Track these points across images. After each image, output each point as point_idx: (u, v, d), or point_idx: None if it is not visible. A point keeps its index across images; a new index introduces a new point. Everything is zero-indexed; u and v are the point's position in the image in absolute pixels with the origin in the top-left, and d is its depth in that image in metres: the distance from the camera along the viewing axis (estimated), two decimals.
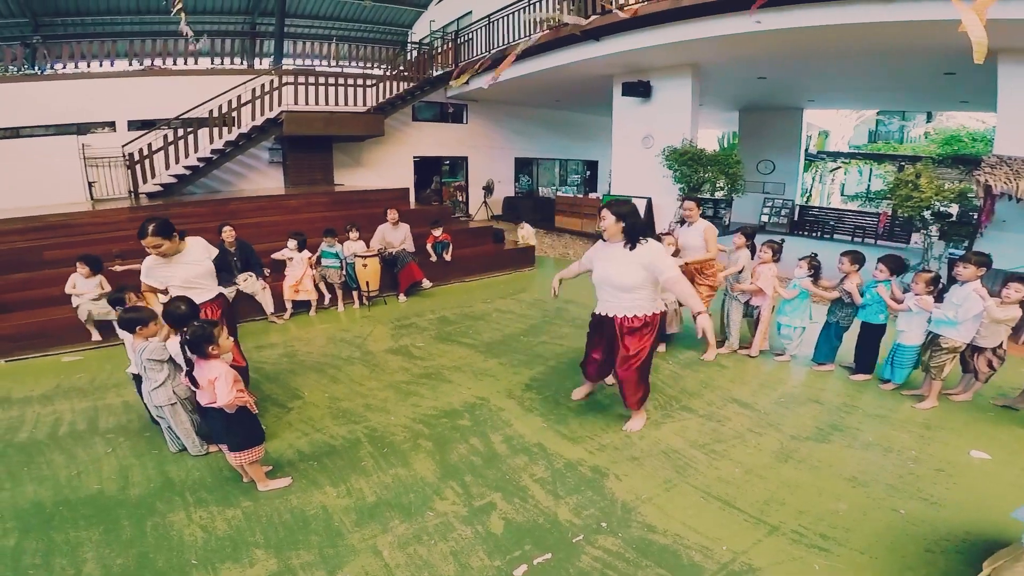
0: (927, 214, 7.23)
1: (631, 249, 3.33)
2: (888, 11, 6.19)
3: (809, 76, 10.80)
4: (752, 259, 4.99)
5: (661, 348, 4.99)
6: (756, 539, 2.64)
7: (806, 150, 17.00)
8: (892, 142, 20.52)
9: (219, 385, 2.72)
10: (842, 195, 20.35)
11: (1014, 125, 6.84)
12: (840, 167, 20.06)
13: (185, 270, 3.58)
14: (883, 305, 4.31)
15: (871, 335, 4.45)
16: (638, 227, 3.33)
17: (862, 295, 4.39)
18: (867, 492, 3.02)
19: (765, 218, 15.04)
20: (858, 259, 4.45)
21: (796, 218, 14.72)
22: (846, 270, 4.47)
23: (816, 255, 4.78)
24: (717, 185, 10.05)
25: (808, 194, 19.47)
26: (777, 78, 10.91)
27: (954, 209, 7.47)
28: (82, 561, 2.52)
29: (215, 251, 3.85)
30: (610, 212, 3.33)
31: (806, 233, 14.06)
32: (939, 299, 4.07)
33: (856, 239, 13.13)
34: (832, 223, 14.10)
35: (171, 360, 3.17)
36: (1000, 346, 3.90)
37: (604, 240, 3.49)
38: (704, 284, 4.97)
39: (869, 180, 19.10)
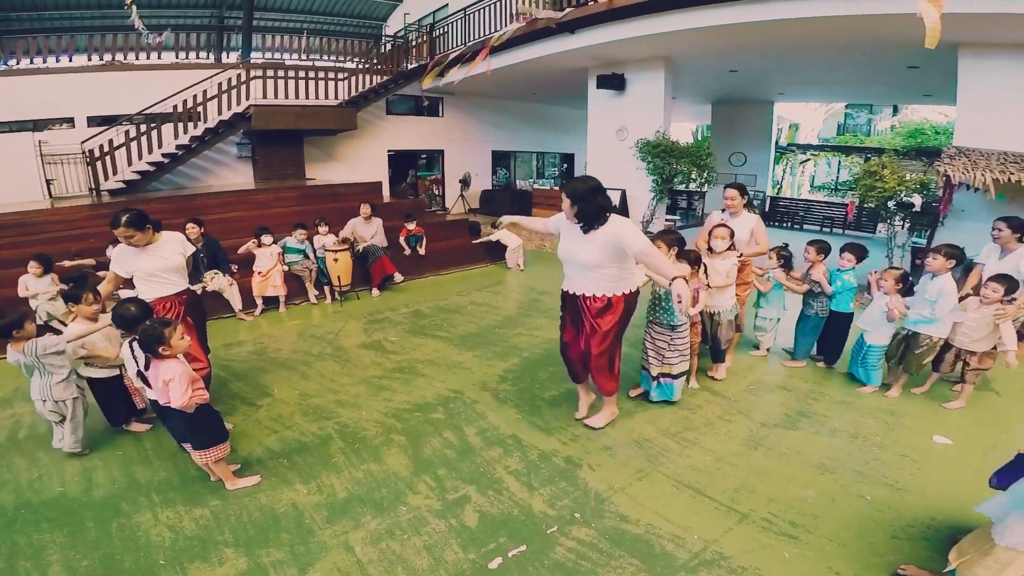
0: (891, 204, 7.41)
1: (585, 230, 3.13)
2: (851, 5, 6.32)
3: (778, 69, 10.97)
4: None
5: (720, 374, 4.39)
6: (727, 527, 2.68)
7: (777, 142, 17.30)
8: (860, 135, 20.99)
9: (172, 387, 2.64)
10: (812, 187, 20.78)
11: (972, 117, 7.05)
12: (810, 159, 20.47)
13: (152, 262, 3.48)
14: (851, 294, 4.33)
15: (839, 324, 4.44)
16: (590, 212, 3.07)
17: (832, 284, 4.36)
18: (835, 479, 3.08)
19: None
20: (823, 248, 4.45)
21: (767, 209, 15.00)
22: (812, 259, 4.43)
23: (787, 245, 4.73)
24: (690, 177, 10.16)
25: (779, 186, 19.84)
26: (748, 71, 11.05)
27: (917, 200, 7.66)
28: (47, 564, 2.45)
29: (191, 248, 3.75)
30: (565, 193, 3.13)
31: (777, 224, 14.33)
32: (908, 294, 4.05)
33: (825, 229, 13.45)
34: (802, 214, 14.41)
35: (65, 353, 3.15)
36: (994, 348, 3.79)
37: (569, 223, 3.27)
38: (740, 283, 4.52)
39: (838, 172, 19.54)
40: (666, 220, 4.72)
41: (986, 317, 3.71)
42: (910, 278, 4.06)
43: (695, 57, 9.79)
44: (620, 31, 8.67)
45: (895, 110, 19.97)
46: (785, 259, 4.67)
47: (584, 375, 3.63)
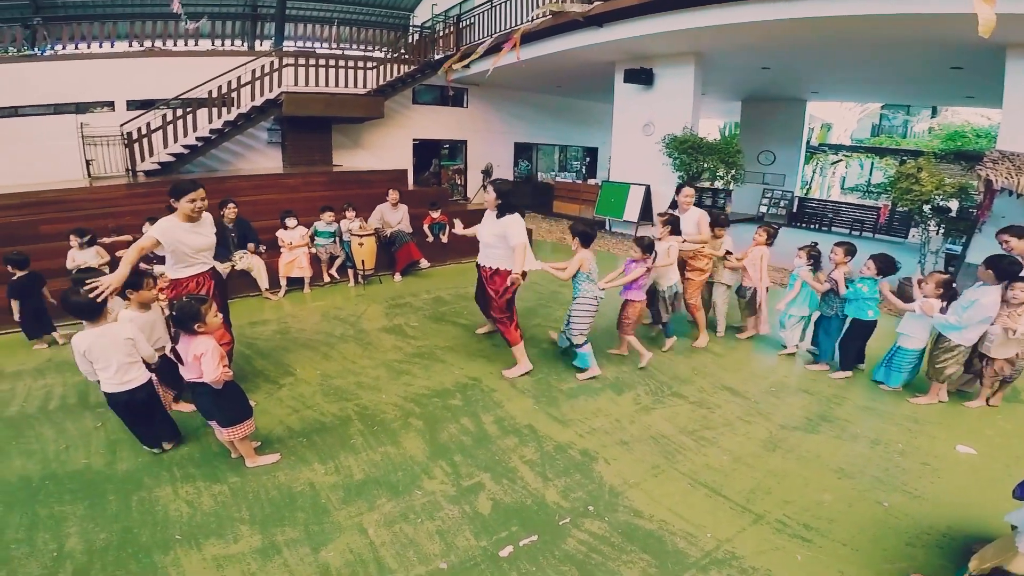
0: (926, 208, 7.19)
1: (498, 218, 4.16)
2: (896, 3, 6.11)
3: (813, 68, 10.70)
4: (732, 244, 5.14)
5: (669, 343, 4.93)
6: (740, 527, 2.65)
7: (808, 142, 16.91)
8: (895, 136, 20.42)
9: (205, 362, 2.70)
10: (842, 188, 20.29)
11: (1019, 120, 6.79)
12: (841, 160, 19.97)
13: (201, 240, 3.52)
14: (872, 302, 4.24)
15: (857, 331, 4.37)
16: (508, 204, 4.15)
17: (848, 287, 4.30)
18: (853, 484, 3.03)
19: (764, 209, 14.98)
20: (851, 251, 4.42)
21: (795, 210, 14.69)
22: (838, 261, 4.40)
23: (816, 244, 4.73)
24: (717, 174, 9.99)
25: (808, 186, 19.41)
26: (781, 69, 10.81)
27: (954, 204, 7.41)
28: (65, 536, 2.52)
29: (213, 227, 3.80)
30: (494, 189, 4.17)
31: (804, 225, 14.02)
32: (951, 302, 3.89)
33: (854, 232, 13.09)
34: (830, 216, 14.05)
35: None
36: (1018, 356, 3.73)
37: (487, 211, 4.34)
38: (696, 269, 5.07)
39: (870, 173, 19.03)
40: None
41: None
42: (954, 286, 3.91)
43: (726, 53, 9.61)
44: (650, 25, 8.54)
45: (934, 112, 19.38)
46: (814, 259, 4.63)
47: (489, 317, 4.75)
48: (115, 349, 2.83)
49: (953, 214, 7.53)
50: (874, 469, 3.18)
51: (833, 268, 4.47)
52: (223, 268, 5.97)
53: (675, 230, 4.72)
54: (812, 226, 13.84)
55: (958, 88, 11.05)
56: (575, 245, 4.18)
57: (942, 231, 7.42)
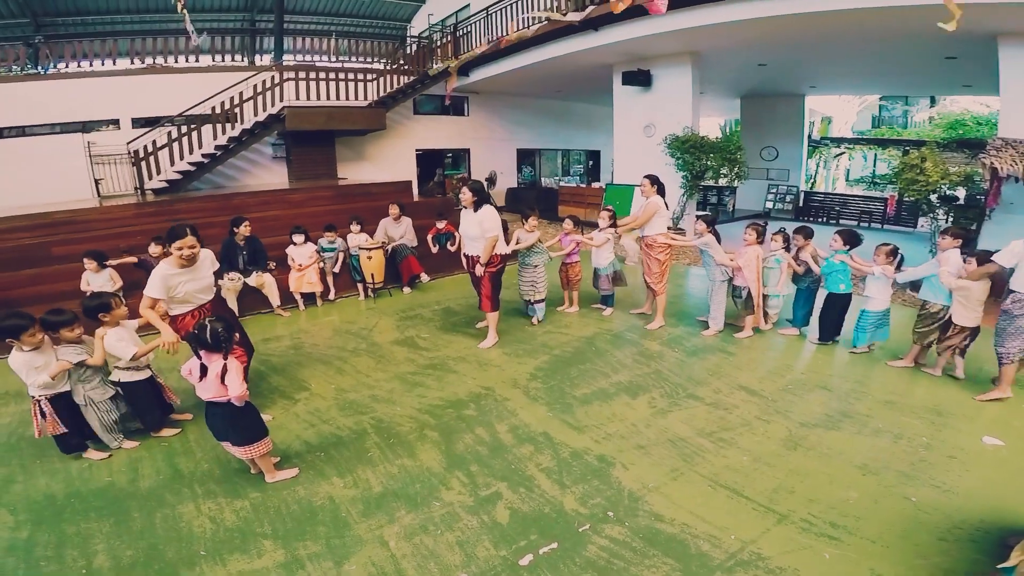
0: (933, 198, 7.15)
1: (475, 212, 4.79)
2: None
3: (809, 62, 10.69)
4: (719, 243, 5.21)
5: (607, 311, 6.01)
6: (765, 528, 2.63)
7: (809, 136, 16.86)
8: (896, 127, 20.30)
9: (231, 378, 2.70)
10: (847, 180, 20.19)
11: (1018, 107, 6.75)
12: (844, 153, 19.88)
13: (195, 284, 3.51)
14: (843, 275, 4.76)
15: (834, 304, 4.88)
16: (481, 200, 4.83)
17: (824, 262, 4.88)
18: (878, 480, 2.99)
19: (770, 204, 14.97)
20: (808, 233, 5.09)
21: (801, 204, 14.63)
22: (799, 244, 5.06)
23: (783, 228, 5.33)
24: (720, 172, 9.98)
25: (813, 180, 19.33)
26: (777, 64, 10.80)
27: (961, 193, 7.37)
28: (93, 553, 2.54)
29: (215, 266, 3.79)
30: (469, 189, 4.83)
31: (811, 219, 13.96)
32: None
33: (862, 223, 13.02)
34: (837, 208, 14.00)
35: (81, 365, 3.22)
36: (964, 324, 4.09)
37: (464, 208, 4.94)
38: (654, 259, 5.44)
39: (874, 165, 18.92)
40: (697, 215, 5.10)
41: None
42: (899, 251, 4.56)
43: (723, 52, 9.62)
44: (646, 27, 8.56)
45: (933, 101, 19.26)
46: (787, 240, 5.13)
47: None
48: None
49: (961, 202, 7.48)
50: (899, 464, 3.14)
51: (798, 250, 5.10)
52: (234, 286, 6.03)
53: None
54: (819, 219, 13.80)
55: (954, 77, 11.01)
56: (535, 221, 5.62)
57: (950, 220, 7.38)
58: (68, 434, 3.29)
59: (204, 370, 2.75)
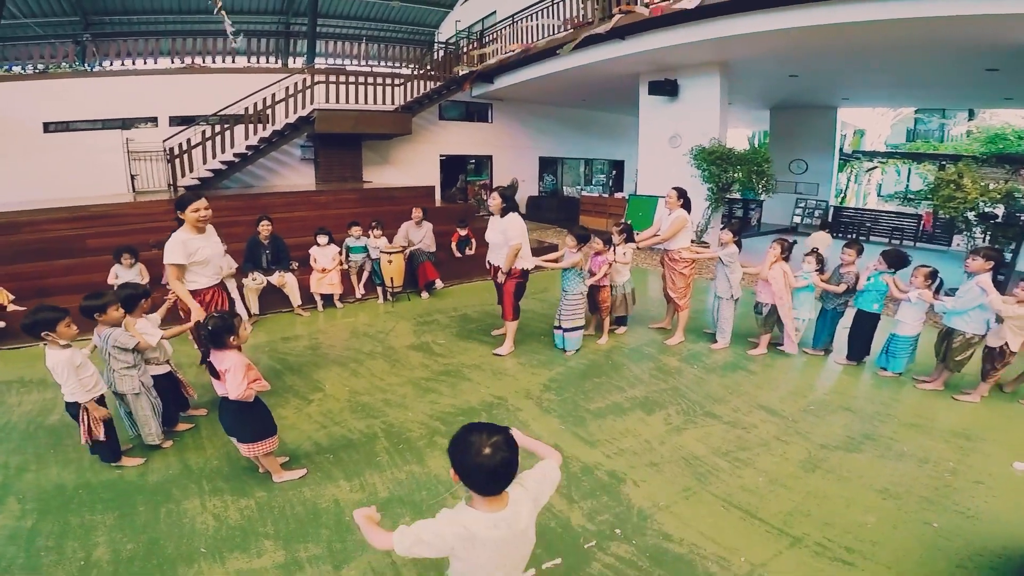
0: (971, 215, 6.90)
1: (501, 218, 4.77)
2: (928, 7, 5.92)
3: (843, 74, 10.45)
4: (739, 253, 5.11)
5: (621, 330, 5.73)
6: (777, 551, 2.54)
7: (840, 149, 16.50)
8: (932, 141, 19.72)
9: (229, 377, 2.73)
10: (879, 195, 19.68)
11: None
12: (877, 167, 19.40)
13: (211, 249, 3.68)
14: (879, 295, 4.59)
15: (864, 323, 4.72)
16: (509, 206, 4.82)
17: (869, 279, 4.66)
18: (898, 504, 2.88)
19: (797, 219, 14.65)
20: (860, 250, 4.87)
21: (830, 219, 14.29)
22: (846, 260, 4.81)
23: (817, 249, 5.19)
24: (747, 185, 9.80)
25: (843, 194, 18.89)
26: (809, 76, 10.59)
27: (999, 210, 7.09)
28: (93, 545, 2.57)
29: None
30: (498, 195, 4.84)
31: (840, 235, 13.62)
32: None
33: (894, 241, 12.66)
34: (868, 224, 13.63)
35: (135, 349, 3.21)
36: (1005, 345, 3.93)
37: (492, 214, 4.95)
38: (678, 274, 5.37)
39: (908, 180, 18.41)
40: (722, 226, 5.00)
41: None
42: (939, 275, 4.35)
43: (752, 62, 9.47)
44: (674, 36, 8.47)
45: (971, 114, 18.68)
46: (821, 262, 5.01)
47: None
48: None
49: (999, 220, 7.21)
50: (922, 489, 3.02)
51: (839, 266, 4.89)
52: (257, 286, 6.12)
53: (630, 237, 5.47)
54: (849, 235, 13.44)
55: (995, 90, 10.66)
56: (572, 243, 4.92)
57: (988, 238, 7.10)
58: (108, 441, 3.15)
59: (213, 369, 2.79)
